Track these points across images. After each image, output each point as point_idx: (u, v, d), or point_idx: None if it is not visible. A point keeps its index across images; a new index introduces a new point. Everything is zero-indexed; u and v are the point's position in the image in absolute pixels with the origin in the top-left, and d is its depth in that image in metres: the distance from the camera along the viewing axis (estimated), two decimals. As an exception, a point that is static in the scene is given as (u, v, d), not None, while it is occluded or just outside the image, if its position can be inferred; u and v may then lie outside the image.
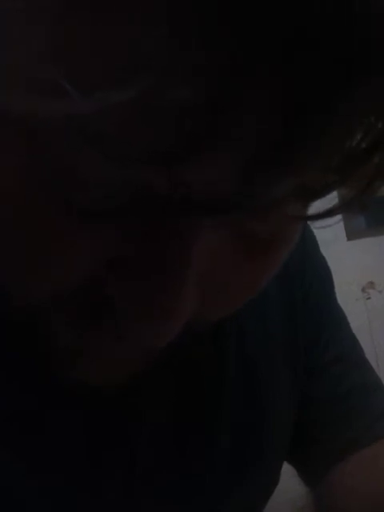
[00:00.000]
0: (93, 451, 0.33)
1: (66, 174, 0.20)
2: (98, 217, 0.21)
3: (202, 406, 0.38)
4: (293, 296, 0.43)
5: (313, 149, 0.18)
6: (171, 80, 0.16)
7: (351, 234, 1.95)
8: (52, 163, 0.19)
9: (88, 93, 0.16)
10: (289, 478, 0.47)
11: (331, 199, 0.21)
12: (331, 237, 1.95)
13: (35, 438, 0.31)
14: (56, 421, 0.32)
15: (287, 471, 0.47)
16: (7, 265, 0.23)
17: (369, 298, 1.94)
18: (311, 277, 0.45)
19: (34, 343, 0.28)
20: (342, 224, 1.95)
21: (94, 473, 0.33)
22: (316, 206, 0.22)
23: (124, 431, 0.34)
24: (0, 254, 0.23)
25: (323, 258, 0.48)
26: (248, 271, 0.25)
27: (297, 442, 0.45)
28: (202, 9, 0.15)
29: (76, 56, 0.17)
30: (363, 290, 1.94)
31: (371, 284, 1.94)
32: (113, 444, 0.34)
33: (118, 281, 0.23)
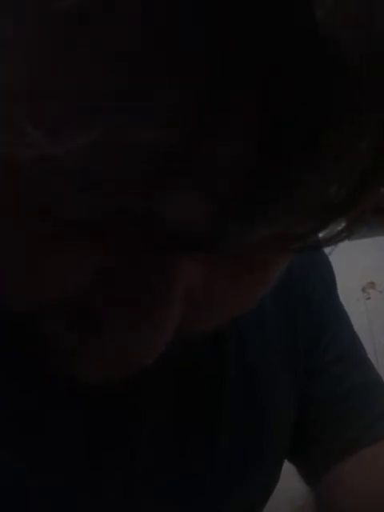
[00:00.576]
0: (93, 451, 0.33)
1: (46, 195, 0.19)
2: (79, 228, 0.21)
3: (202, 406, 0.38)
4: (293, 301, 0.43)
5: (287, 196, 0.17)
6: (134, 121, 0.16)
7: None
8: (31, 185, 0.19)
9: (48, 136, 0.16)
10: (288, 477, 0.47)
11: None
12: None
13: (35, 438, 0.31)
14: (56, 421, 0.32)
15: (287, 470, 0.47)
16: None
17: (369, 298, 1.94)
18: (313, 277, 0.45)
19: (33, 343, 0.28)
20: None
21: (94, 473, 0.33)
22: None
23: (124, 431, 0.34)
24: None
25: (325, 257, 0.48)
26: (239, 288, 0.25)
27: (297, 442, 0.45)
28: (171, 49, 0.15)
29: (38, 97, 0.16)
30: (363, 290, 1.94)
31: (371, 284, 1.94)
32: (113, 444, 0.34)
33: (104, 294, 0.23)
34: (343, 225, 0.20)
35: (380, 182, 0.18)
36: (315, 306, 0.44)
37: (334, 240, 0.21)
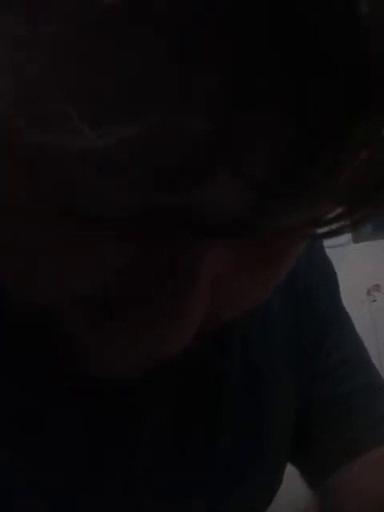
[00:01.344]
0: (93, 451, 0.33)
1: (72, 191, 0.20)
2: (103, 225, 0.21)
3: (202, 406, 0.38)
4: (297, 299, 0.43)
5: (323, 181, 0.18)
6: (180, 113, 0.16)
7: (357, 237, 1.95)
8: (57, 182, 0.19)
9: (94, 128, 0.16)
10: (290, 480, 0.47)
11: None
12: (337, 239, 1.94)
13: (35, 438, 0.31)
14: (56, 421, 0.32)
15: (289, 473, 0.47)
16: (13, 270, 0.23)
17: (374, 301, 1.94)
18: (317, 280, 0.45)
19: (34, 343, 0.28)
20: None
21: (94, 473, 0.33)
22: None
23: (124, 431, 0.34)
24: (5, 258, 0.23)
25: (329, 260, 0.48)
26: (256, 278, 0.25)
27: (299, 443, 0.45)
28: (213, 43, 0.15)
29: (84, 90, 0.16)
30: (369, 292, 1.94)
31: (377, 287, 1.94)
32: (113, 444, 0.34)
33: (128, 289, 0.23)
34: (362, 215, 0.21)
35: None
36: (318, 309, 0.44)
37: (348, 228, 0.21)
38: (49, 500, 0.32)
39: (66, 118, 0.16)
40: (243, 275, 0.24)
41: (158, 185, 0.18)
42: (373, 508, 0.44)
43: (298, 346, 0.43)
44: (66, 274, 0.22)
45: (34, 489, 0.31)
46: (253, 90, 0.16)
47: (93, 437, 0.33)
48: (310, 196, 0.18)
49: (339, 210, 0.19)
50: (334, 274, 0.48)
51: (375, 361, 0.50)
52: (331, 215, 0.20)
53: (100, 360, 0.28)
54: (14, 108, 0.17)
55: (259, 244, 0.23)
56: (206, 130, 0.16)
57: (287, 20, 0.15)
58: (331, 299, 0.47)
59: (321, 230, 0.21)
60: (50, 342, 0.27)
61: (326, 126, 0.16)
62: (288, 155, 0.17)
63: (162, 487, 0.36)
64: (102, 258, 0.22)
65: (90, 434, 0.33)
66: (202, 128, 0.16)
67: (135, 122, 0.16)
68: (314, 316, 0.44)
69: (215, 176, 0.17)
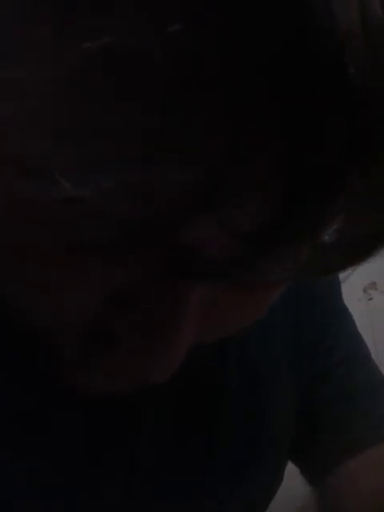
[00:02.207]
0: (93, 451, 0.33)
1: (68, 230, 0.20)
2: (98, 253, 0.21)
3: (202, 407, 0.38)
4: (297, 300, 0.43)
5: (312, 228, 0.18)
6: (163, 166, 0.16)
7: (353, 235, 1.95)
8: (52, 214, 0.20)
9: (74, 181, 0.16)
10: (290, 478, 0.47)
11: None
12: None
13: (35, 438, 0.31)
14: (56, 421, 0.32)
15: (289, 470, 0.47)
16: (15, 296, 0.24)
17: (370, 299, 1.94)
18: (318, 281, 0.44)
19: (34, 345, 0.28)
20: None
21: (94, 473, 0.33)
22: None
23: (124, 431, 0.34)
24: (7, 285, 0.23)
25: None
26: (248, 303, 0.25)
27: (299, 442, 0.45)
28: (201, 94, 0.15)
29: (65, 142, 0.16)
30: (365, 290, 1.94)
31: (373, 285, 1.94)
32: (112, 444, 0.34)
33: (118, 314, 0.23)
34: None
35: None
36: (319, 308, 0.44)
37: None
38: (49, 500, 0.32)
39: (47, 171, 0.16)
40: (233, 303, 0.25)
41: (143, 226, 0.18)
42: (372, 506, 0.44)
43: (298, 347, 0.43)
44: (55, 301, 0.23)
45: (33, 489, 0.31)
46: (243, 144, 0.16)
47: (93, 437, 0.33)
48: (298, 246, 0.18)
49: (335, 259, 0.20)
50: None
51: (373, 358, 0.50)
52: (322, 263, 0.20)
53: (87, 379, 0.28)
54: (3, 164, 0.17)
55: (247, 285, 0.23)
56: (191, 182, 0.16)
57: (281, 78, 0.15)
58: (332, 298, 0.47)
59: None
60: (43, 351, 0.27)
61: (316, 184, 0.16)
62: (277, 209, 0.17)
63: (162, 487, 0.36)
64: (92, 286, 0.22)
65: (90, 434, 0.33)
66: (188, 180, 0.16)
67: (112, 173, 0.16)
68: (314, 316, 0.44)
69: (201, 225, 0.17)
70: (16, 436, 0.31)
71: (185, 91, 0.15)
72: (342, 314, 0.48)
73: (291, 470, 0.48)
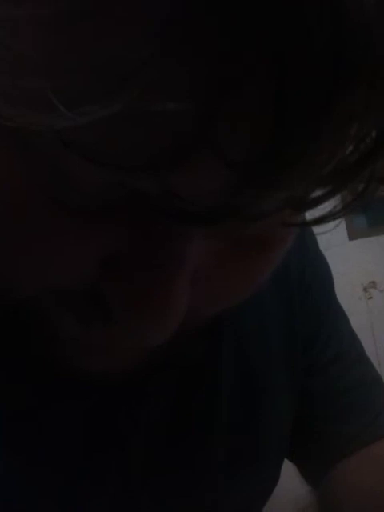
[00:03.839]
0: (88, 448, 0.33)
1: (57, 175, 0.20)
2: (90, 216, 0.21)
3: (197, 405, 0.38)
4: (291, 296, 0.43)
5: (304, 160, 0.18)
6: (158, 93, 0.16)
7: (353, 234, 1.95)
8: (42, 165, 0.20)
9: (74, 107, 0.16)
10: (291, 479, 0.47)
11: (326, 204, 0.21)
12: (333, 236, 1.95)
13: (30, 433, 0.31)
14: (52, 419, 0.32)
15: (289, 471, 0.47)
16: (5, 260, 0.23)
17: (370, 298, 1.94)
18: (311, 276, 0.45)
19: (27, 339, 0.28)
20: (343, 224, 1.95)
21: (90, 469, 0.33)
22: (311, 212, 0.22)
23: (119, 430, 0.34)
24: None
25: (322, 256, 0.48)
26: (243, 269, 0.25)
27: (297, 440, 0.45)
28: (189, 21, 0.15)
29: (63, 69, 0.17)
30: (365, 289, 1.94)
31: (373, 283, 1.94)
32: (108, 440, 0.34)
33: (112, 279, 0.23)
34: (347, 201, 0.21)
35: None
36: (312, 303, 0.44)
37: (337, 214, 0.21)
38: (44, 495, 0.32)
39: (44, 98, 0.16)
40: (227, 267, 0.24)
41: (137, 166, 0.18)
42: (371, 504, 0.44)
43: (292, 341, 0.43)
44: (51, 265, 0.23)
45: (29, 484, 0.31)
46: (232, 70, 0.16)
47: (89, 433, 0.33)
48: (292, 174, 0.18)
49: (321, 191, 0.19)
50: (328, 269, 0.48)
51: (372, 358, 0.50)
52: (313, 196, 0.19)
53: (84, 353, 0.28)
54: None
55: (243, 232, 0.23)
56: (184, 112, 0.16)
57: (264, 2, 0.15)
58: (325, 293, 0.47)
59: (308, 218, 0.21)
60: (34, 337, 0.27)
61: (306, 104, 0.16)
62: (268, 133, 0.17)
63: (158, 483, 0.36)
64: (87, 247, 0.22)
65: (86, 430, 0.33)
66: (180, 110, 0.16)
67: (110, 102, 0.16)
68: (307, 310, 0.44)
69: (193, 157, 0.17)
70: (12, 434, 0.31)
71: (173, 21, 0.15)
72: (336, 311, 0.48)
73: (291, 472, 0.48)
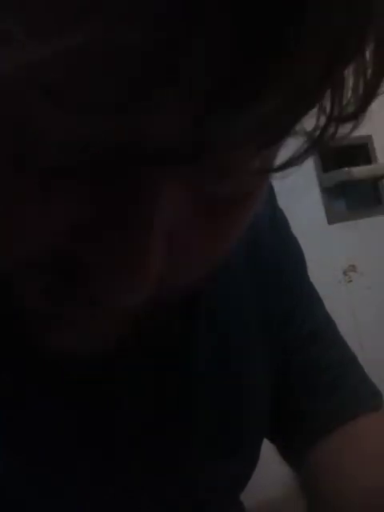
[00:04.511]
0: (72, 428, 0.33)
1: (23, 132, 0.19)
2: (57, 177, 0.21)
3: (173, 386, 0.38)
4: (264, 277, 0.43)
5: (261, 85, 0.18)
6: (119, 24, 0.16)
7: (332, 218, 1.96)
8: (8, 123, 0.19)
9: (37, 39, 0.16)
10: (274, 457, 0.47)
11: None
12: (312, 221, 1.96)
13: (13, 415, 0.31)
14: (33, 398, 0.32)
15: (272, 450, 0.47)
16: None
17: (350, 281, 1.96)
18: (283, 258, 0.45)
19: (4, 319, 0.28)
20: (322, 208, 1.96)
21: (75, 448, 0.33)
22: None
23: (103, 406, 0.34)
24: None
25: (295, 238, 0.48)
26: (213, 231, 0.25)
27: (276, 419, 0.45)
28: None
29: (25, 3, 0.16)
30: (345, 273, 1.96)
31: (353, 267, 1.96)
32: (93, 419, 0.34)
33: (83, 243, 0.23)
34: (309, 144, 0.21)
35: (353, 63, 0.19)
36: (285, 280, 0.44)
37: (303, 156, 0.21)
38: (29, 476, 0.32)
39: (7, 32, 0.16)
40: (197, 230, 0.24)
41: (104, 105, 0.18)
42: (351, 483, 0.44)
43: (267, 322, 0.43)
44: (21, 232, 0.22)
45: (15, 464, 0.31)
46: (193, 3, 0.16)
47: (72, 414, 0.33)
48: (251, 102, 0.18)
49: (289, 114, 0.19)
50: (300, 251, 0.48)
51: (354, 341, 0.50)
52: (281, 122, 0.20)
53: (57, 330, 0.27)
54: None
55: (213, 187, 0.23)
56: (147, 43, 0.16)
57: None
58: (297, 275, 0.47)
59: (277, 164, 0.21)
60: (16, 312, 0.27)
61: (262, 30, 0.17)
62: (227, 62, 0.17)
63: (141, 460, 0.36)
64: (54, 211, 0.22)
65: (69, 411, 0.33)
66: (140, 39, 0.16)
67: (73, 34, 0.16)
68: (280, 287, 0.44)
69: (160, 89, 0.17)
70: (10, 432, 0.31)
71: None
72: (310, 290, 0.48)
73: (273, 451, 0.48)
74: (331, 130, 0.21)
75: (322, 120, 0.21)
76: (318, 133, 0.21)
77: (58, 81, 0.17)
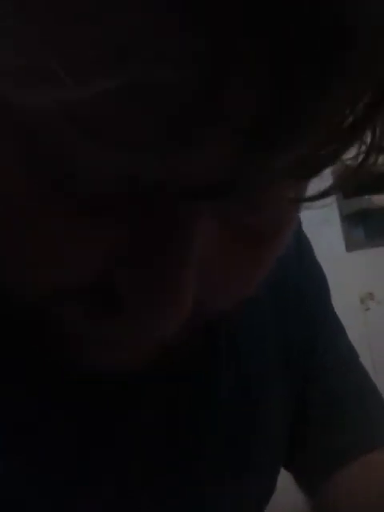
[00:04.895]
0: (84, 447, 0.33)
1: (62, 166, 0.20)
2: (96, 209, 0.21)
3: (193, 410, 0.38)
4: (287, 304, 0.43)
5: (303, 125, 0.18)
6: (158, 65, 0.16)
7: (350, 246, 1.95)
8: (47, 157, 0.20)
9: (79, 79, 0.16)
10: (291, 485, 0.47)
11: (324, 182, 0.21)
12: (331, 248, 1.95)
13: (31, 437, 0.31)
14: (50, 419, 0.32)
15: (284, 484, 0.47)
16: (13, 262, 0.24)
17: (368, 309, 1.94)
18: (307, 285, 0.45)
19: (26, 341, 0.28)
20: (341, 235, 1.95)
21: (86, 469, 0.33)
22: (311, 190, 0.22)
23: (115, 430, 0.34)
24: (6, 250, 0.23)
25: (319, 266, 0.48)
26: (243, 263, 0.25)
27: (294, 447, 0.45)
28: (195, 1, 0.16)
29: (67, 43, 0.17)
30: (362, 301, 1.94)
31: (370, 295, 1.95)
32: (105, 443, 0.34)
33: (122, 270, 0.23)
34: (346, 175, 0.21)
35: None
36: (308, 309, 0.44)
37: (335, 189, 0.21)
38: (48, 499, 0.32)
39: (49, 72, 0.16)
40: (228, 260, 0.24)
41: (143, 143, 0.18)
42: (368, 511, 0.43)
43: (288, 350, 0.43)
44: (60, 263, 0.23)
45: (26, 481, 0.31)
46: (227, 43, 0.16)
47: (87, 436, 0.33)
48: (288, 139, 0.18)
49: (326, 150, 0.19)
50: (325, 279, 0.48)
51: (369, 370, 0.50)
52: (318, 158, 0.20)
53: (94, 352, 0.28)
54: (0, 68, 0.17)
55: (247, 218, 0.23)
56: (188, 82, 0.16)
57: None
58: (321, 301, 0.47)
59: (308, 194, 0.22)
60: (42, 338, 0.27)
61: (303, 71, 0.17)
62: (273, 96, 0.17)
63: (152, 484, 0.36)
64: (93, 242, 0.22)
65: (84, 432, 0.33)
66: (185, 80, 0.16)
67: (115, 75, 0.16)
68: (303, 319, 0.44)
69: (201, 129, 0.17)
70: (10, 432, 0.31)
71: None
72: (333, 319, 0.48)
73: (287, 484, 0.47)
74: (371, 159, 0.21)
75: (362, 149, 0.20)
76: (357, 163, 0.21)
77: (97, 119, 0.17)
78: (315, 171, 0.20)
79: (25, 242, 0.22)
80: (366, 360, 0.50)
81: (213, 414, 0.38)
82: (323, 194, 0.22)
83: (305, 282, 0.44)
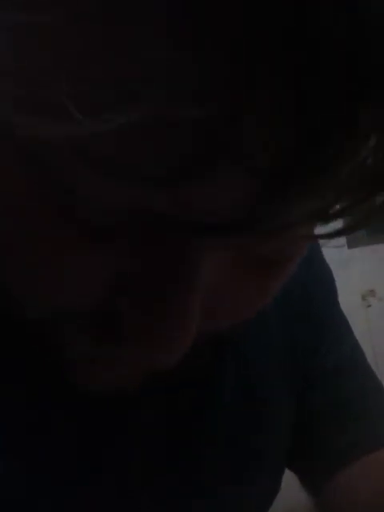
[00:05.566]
0: (85, 451, 0.33)
1: (67, 192, 0.19)
2: (102, 234, 0.21)
3: (197, 416, 0.37)
4: (292, 306, 0.43)
5: (324, 173, 0.17)
6: (170, 103, 0.16)
7: (352, 242, 1.95)
8: (52, 183, 0.19)
9: (91, 114, 0.16)
10: (289, 489, 0.47)
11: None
12: (331, 244, 1.95)
13: (32, 438, 0.31)
14: (50, 421, 0.32)
15: (288, 479, 0.47)
16: (17, 281, 0.23)
17: (369, 306, 1.94)
18: (314, 286, 0.44)
19: (26, 341, 0.28)
20: (342, 232, 1.94)
21: (87, 472, 0.33)
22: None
23: (117, 439, 0.34)
24: (9, 270, 0.23)
25: (327, 266, 0.47)
26: (251, 287, 0.25)
27: (297, 449, 0.45)
28: (208, 28, 0.15)
29: (79, 78, 0.16)
30: (363, 298, 1.94)
31: (372, 292, 1.94)
32: (105, 444, 0.34)
33: (125, 297, 0.23)
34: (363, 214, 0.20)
35: None
36: (315, 314, 0.44)
37: (355, 227, 0.21)
38: (42, 498, 0.32)
39: (59, 105, 0.16)
40: (235, 285, 0.24)
41: (156, 179, 0.17)
42: (370, 510, 0.43)
43: (292, 352, 0.42)
44: (63, 285, 0.22)
45: (27, 487, 0.31)
46: (255, 72, 0.16)
47: (85, 437, 0.33)
48: (318, 182, 0.18)
49: (342, 204, 0.19)
50: (332, 280, 0.48)
51: (371, 365, 0.49)
52: (334, 209, 0.19)
53: (93, 373, 0.28)
54: (10, 99, 0.17)
55: (257, 249, 0.23)
56: (204, 119, 0.16)
57: (285, 19, 0.15)
58: (328, 304, 0.47)
59: (318, 232, 0.21)
60: (42, 338, 0.27)
61: (328, 113, 0.16)
62: (291, 140, 0.17)
63: (153, 488, 0.36)
64: (98, 266, 0.22)
65: (83, 434, 0.33)
66: (201, 116, 0.16)
67: (128, 111, 0.16)
68: (309, 320, 0.44)
69: (215, 167, 0.17)
70: (11, 433, 0.31)
71: (196, 24, 0.15)
72: (339, 321, 0.48)
73: (290, 482, 0.47)
74: None
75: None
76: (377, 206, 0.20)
77: (108, 153, 0.17)
78: (335, 217, 0.20)
79: (25, 262, 0.22)
80: (367, 357, 0.50)
81: (213, 415, 0.38)
82: (339, 233, 0.21)
83: (313, 285, 0.44)
